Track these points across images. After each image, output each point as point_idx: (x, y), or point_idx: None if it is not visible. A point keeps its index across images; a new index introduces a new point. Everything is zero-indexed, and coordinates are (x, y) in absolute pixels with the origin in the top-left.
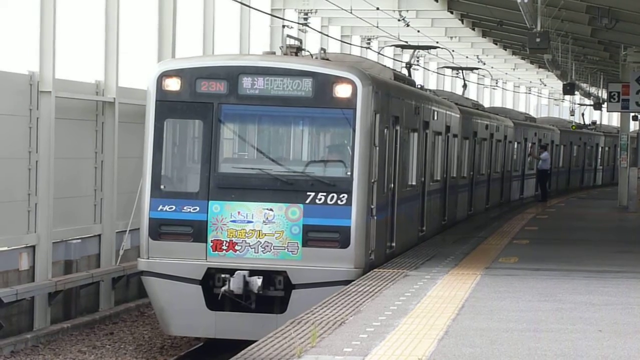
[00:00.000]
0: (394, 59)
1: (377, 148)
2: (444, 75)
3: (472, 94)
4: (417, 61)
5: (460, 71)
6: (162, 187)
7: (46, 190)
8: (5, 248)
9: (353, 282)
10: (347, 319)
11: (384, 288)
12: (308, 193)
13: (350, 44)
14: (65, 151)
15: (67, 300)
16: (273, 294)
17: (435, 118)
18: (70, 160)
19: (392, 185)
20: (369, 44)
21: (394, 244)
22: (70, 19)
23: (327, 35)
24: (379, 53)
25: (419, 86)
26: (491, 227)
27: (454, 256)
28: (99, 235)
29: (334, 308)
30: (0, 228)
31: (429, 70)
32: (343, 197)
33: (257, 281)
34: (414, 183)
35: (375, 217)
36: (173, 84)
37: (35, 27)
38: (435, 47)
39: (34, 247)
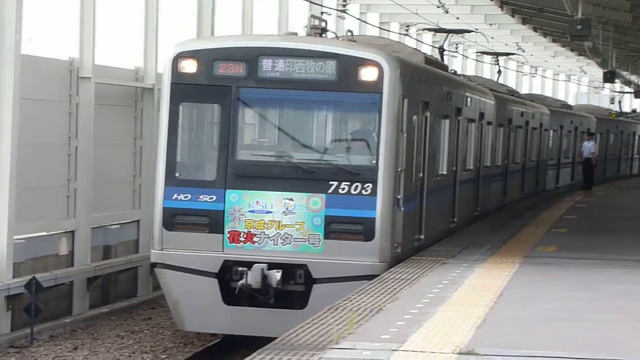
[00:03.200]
0: (432, 46)
1: (405, 135)
2: (482, 62)
3: (510, 81)
4: (456, 48)
5: (496, 57)
6: (176, 174)
7: (85, 176)
8: (45, 233)
9: (390, 270)
10: (384, 306)
11: (422, 276)
12: (331, 182)
13: (389, 31)
14: (104, 137)
15: (106, 286)
16: (293, 288)
17: (469, 104)
18: (109, 146)
19: (421, 174)
20: (407, 30)
21: (422, 236)
22: (110, 5)
23: (365, 22)
24: (417, 40)
25: (452, 71)
26: (528, 216)
27: (491, 245)
28: (138, 221)
29: (371, 295)
30: (40, 213)
31: (466, 57)
32: (367, 186)
33: (276, 275)
34: (444, 172)
35: (402, 208)
36: (189, 66)
37: (75, 14)
38: (469, 31)
39: (73, 232)
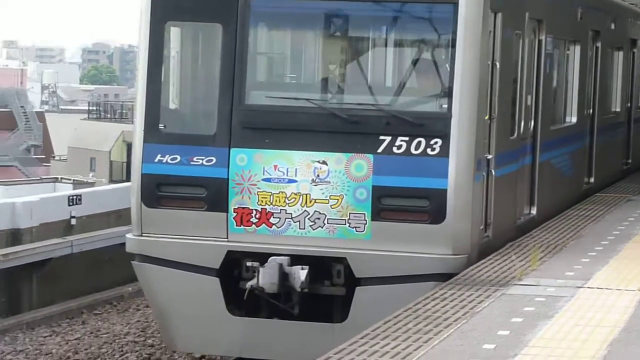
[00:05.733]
0: None
1: (498, 66)
2: None
3: None
4: None
5: None
6: (160, 126)
7: None
8: None
9: (574, 207)
10: (567, 243)
11: (606, 213)
12: (382, 137)
13: None
14: None
15: None
16: (326, 292)
17: (612, 26)
18: None
19: (533, 122)
20: None
21: (533, 211)
22: None
23: None
24: None
25: None
26: None
27: None
28: None
29: (554, 232)
30: None
31: None
32: (435, 143)
33: (301, 273)
34: (573, 119)
35: (493, 173)
36: None
37: None
38: None
39: None
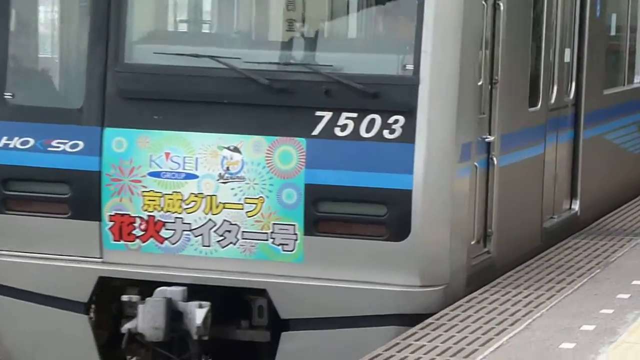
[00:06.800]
0: None
1: (504, 8)
2: None
3: None
4: None
5: None
6: (7, 95)
7: None
8: None
9: None
10: None
11: None
12: (319, 113)
13: None
14: None
15: None
16: (240, 337)
17: None
18: None
19: (574, 85)
20: None
21: (575, 206)
22: None
23: None
24: None
25: None
26: None
27: None
28: None
29: None
30: None
31: None
32: (396, 122)
33: (198, 313)
34: (635, 83)
35: (495, 161)
36: None
37: None
38: None
39: None
